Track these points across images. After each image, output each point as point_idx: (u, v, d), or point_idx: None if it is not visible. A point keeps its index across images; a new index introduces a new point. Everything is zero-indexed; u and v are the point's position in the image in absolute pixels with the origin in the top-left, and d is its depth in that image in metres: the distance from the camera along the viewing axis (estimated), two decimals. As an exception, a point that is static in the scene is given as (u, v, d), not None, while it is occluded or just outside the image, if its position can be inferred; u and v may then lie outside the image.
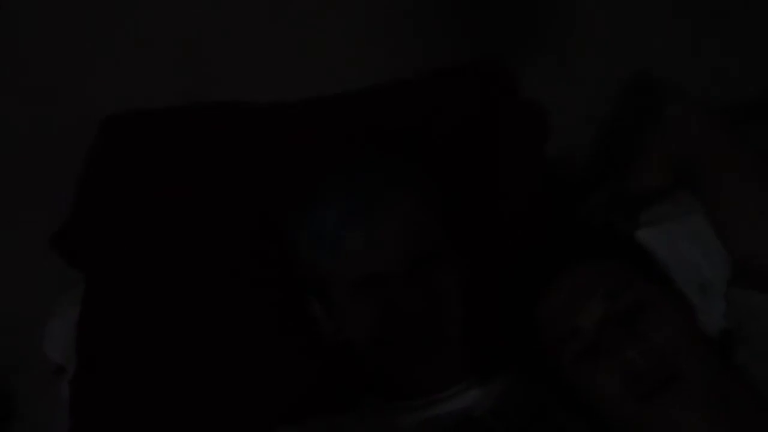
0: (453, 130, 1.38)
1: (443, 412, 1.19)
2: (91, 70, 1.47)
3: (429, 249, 1.19)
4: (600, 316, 1.12)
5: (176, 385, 1.29)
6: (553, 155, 1.41)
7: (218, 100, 1.43)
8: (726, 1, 1.51)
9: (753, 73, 1.52)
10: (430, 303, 1.18)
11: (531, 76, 1.45)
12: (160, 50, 1.46)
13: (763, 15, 1.51)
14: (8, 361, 1.53)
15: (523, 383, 1.21)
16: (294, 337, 1.30)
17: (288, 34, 1.47)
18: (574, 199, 1.33)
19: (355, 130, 1.36)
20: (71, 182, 1.38)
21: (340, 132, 1.36)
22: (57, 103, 1.47)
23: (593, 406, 1.14)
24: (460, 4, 1.49)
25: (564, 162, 1.45)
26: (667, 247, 1.24)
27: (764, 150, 1.31)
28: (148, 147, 1.39)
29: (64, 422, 1.32)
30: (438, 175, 1.27)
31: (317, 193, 1.21)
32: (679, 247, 1.26)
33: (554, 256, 1.18)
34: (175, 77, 1.46)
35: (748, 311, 1.22)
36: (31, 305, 1.41)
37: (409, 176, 1.23)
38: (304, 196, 1.23)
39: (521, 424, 1.17)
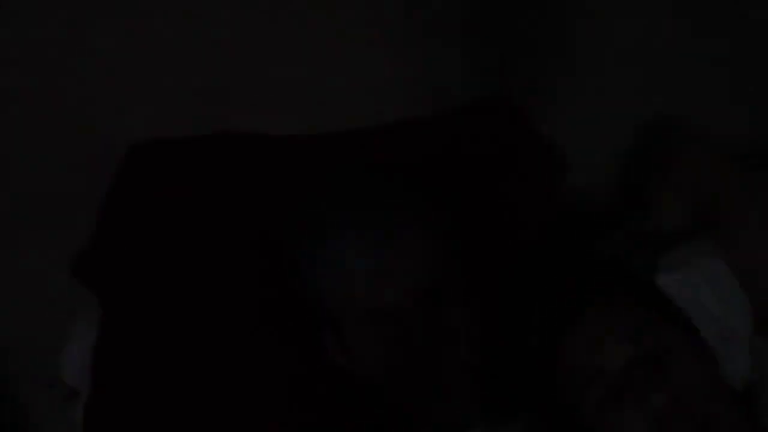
0: (467, 166, 1.39)
1: None
2: (111, 95, 1.48)
3: (441, 284, 1.19)
4: (624, 358, 1.09)
5: (189, 414, 1.29)
6: (571, 193, 1.40)
7: (240, 130, 1.44)
8: (751, 41, 1.50)
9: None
10: (442, 338, 1.18)
11: (550, 113, 1.45)
12: (181, 76, 1.48)
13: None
14: (25, 382, 1.54)
15: (540, 428, 1.19)
16: (309, 372, 1.30)
17: (308, 61, 1.48)
18: (593, 238, 1.32)
19: (370, 163, 1.37)
20: (93, 206, 1.39)
21: (356, 165, 1.37)
22: (81, 128, 1.48)
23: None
24: (478, 38, 1.49)
25: (582, 200, 1.44)
26: (688, 294, 1.22)
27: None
28: (170, 176, 1.41)
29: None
30: (452, 211, 1.27)
31: (331, 224, 1.22)
32: (699, 294, 1.24)
33: (572, 295, 1.16)
34: (194, 102, 1.48)
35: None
36: (51, 327, 1.42)
37: (422, 211, 1.23)
38: (318, 227, 1.23)
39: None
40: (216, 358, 1.31)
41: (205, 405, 1.29)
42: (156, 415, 1.30)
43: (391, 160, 1.37)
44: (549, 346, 1.14)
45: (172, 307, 1.34)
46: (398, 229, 1.19)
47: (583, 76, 1.50)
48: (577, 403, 1.11)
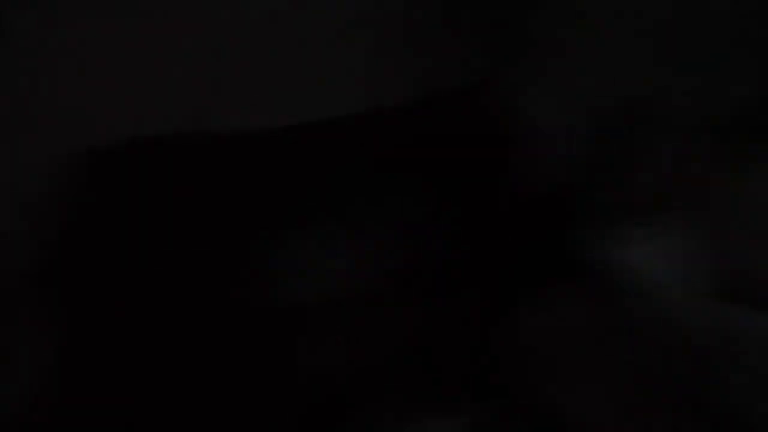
0: (446, 152, 1.37)
1: None
2: (102, 92, 1.45)
3: (410, 275, 1.20)
4: (578, 338, 1.10)
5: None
6: (545, 178, 1.38)
7: (209, 127, 1.42)
8: (728, 25, 1.48)
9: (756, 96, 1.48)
10: (407, 330, 1.19)
11: (524, 93, 1.41)
12: (174, 73, 1.46)
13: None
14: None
15: (498, 415, 1.18)
16: (280, 374, 1.29)
17: (298, 53, 1.46)
18: (562, 219, 1.31)
19: (348, 152, 1.36)
20: (60, 215, 1.38)
21: (333, 155, 1.36)
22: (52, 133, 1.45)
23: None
24: (456, 21, 1.47)
25: (555, 186, 1.43)
26: (648, 267, 1.21)
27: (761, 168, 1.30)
28: (136, 178, 1.40)
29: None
30: (424, 200, 1.28)
31: (299, 218, 1.24)
32: (655, 269, 1.22)
33: (530, 279, 1.18)
34: (181, 97, 1.46)
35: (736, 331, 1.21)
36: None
37: (393, 201, 1.25)
38: (287, 222, 1.25)
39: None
40: (184, 363, 1.29)
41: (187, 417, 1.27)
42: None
43: (369, 148, 1.36)
44: (501, 330, 1.16)
45: (142, 312, 1.33)
46: (368, 220, 1.21)
47: (551, 55, 1.45)
48: (534, 386, 1.12)
